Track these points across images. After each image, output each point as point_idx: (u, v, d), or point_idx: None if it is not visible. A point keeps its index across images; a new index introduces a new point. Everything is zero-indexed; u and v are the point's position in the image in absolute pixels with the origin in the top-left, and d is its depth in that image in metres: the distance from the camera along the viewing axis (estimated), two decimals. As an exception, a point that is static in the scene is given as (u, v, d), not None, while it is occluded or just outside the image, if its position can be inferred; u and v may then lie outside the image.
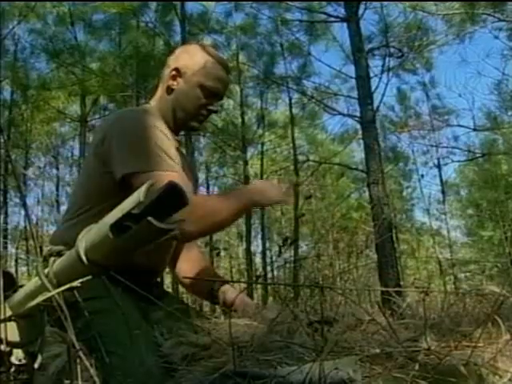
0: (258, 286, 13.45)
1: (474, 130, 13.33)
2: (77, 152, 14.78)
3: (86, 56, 11.38)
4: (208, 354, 1.20)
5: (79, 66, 11.07)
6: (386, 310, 1.21)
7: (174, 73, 1.79)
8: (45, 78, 11.61)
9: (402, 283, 7.85)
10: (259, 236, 15.90)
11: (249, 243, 12.14)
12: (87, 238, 0.99)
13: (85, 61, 11.27)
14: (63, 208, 16.43)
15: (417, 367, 0.96)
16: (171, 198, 0.89)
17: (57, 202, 16.20)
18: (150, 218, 0.85)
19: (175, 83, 1.79)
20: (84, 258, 0.99)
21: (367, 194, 9.11)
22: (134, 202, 0.89)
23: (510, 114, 13.50)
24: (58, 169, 16.64)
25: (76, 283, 1.00)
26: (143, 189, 0.88)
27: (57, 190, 16.63)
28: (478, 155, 14.27)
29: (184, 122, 1.81)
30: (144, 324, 1.41)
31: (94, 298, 1.33)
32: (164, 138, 1.62)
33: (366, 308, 1.30)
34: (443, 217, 18.13)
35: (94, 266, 0.99)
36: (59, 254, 1.25)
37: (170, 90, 1.80)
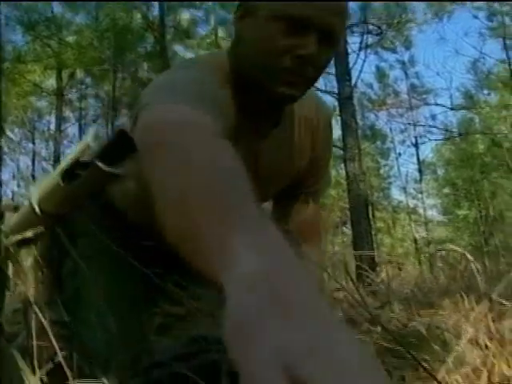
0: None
1: (452, 109, 13.45)
2: (53, 126, 14.62)
3: (62, 29, 11.20)
4: (182, 323, 1.19)
5: (55, 39, 10.89)
6: (358, 284, 1.23)
7: (239, 13, 1.05)
8: (20, 51, 11.40)
9: (376, 259, 7.94)
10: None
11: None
12: (39, 188, 1.00)
13: (61, 34, 11.09)
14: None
15: (379, 329, 0.98)
16: (120, 145, 0.90)
17: (33, 176, 16.03)
18: (97, 163, 0.85)
19: (242, 26, 1.05)
20: (37, 208, 0.99)
21: (344, 170, 9.16)
22: (82, 148, 0.90)
23: (485, 92, 13.62)
24: (33, 143, 16.45)
25: (29, 233, 1.01)
26: (90, 133, 0.89)
27: (33, 164, 16.46)
28: (454, 134, 14.41)
29: (260, 90, 1.02)
30: (131, 284, 1.23)
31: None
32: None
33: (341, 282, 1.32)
34: (420, 195, 18.33)
35: (47, 216, 1.00)
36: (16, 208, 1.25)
37: (235, 43, 1.06)
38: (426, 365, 0.84)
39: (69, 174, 0.92)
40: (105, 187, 0.91)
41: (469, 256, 1.20)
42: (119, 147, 0.90)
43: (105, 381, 0.97)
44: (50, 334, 0.96)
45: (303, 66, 0.96)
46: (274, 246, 0.50)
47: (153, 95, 0.93)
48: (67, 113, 14.55)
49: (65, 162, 0.93)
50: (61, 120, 12.02)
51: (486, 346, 0.85)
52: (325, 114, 1.30)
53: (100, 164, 0.84)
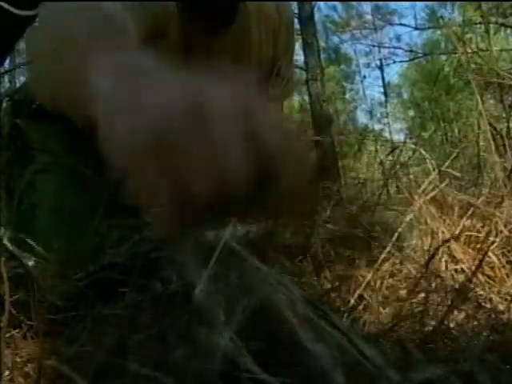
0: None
1: (416, 28, 13.32)
2: None
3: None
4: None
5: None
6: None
7: None
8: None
9: (342, 180, 8.01)
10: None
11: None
12: None
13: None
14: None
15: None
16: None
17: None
18: (4, 5, 0.78)
19: None
20: None
21: (307, 94, 9.07)
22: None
23: (449, 10, 13.48)
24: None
25: None
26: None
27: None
28: (419, 55, 14.35)
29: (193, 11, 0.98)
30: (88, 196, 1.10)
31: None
32: None
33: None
34: (385, 119, 18.40)
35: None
36: None
37: None
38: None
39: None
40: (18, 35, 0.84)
41: (423, 151, 1.18)
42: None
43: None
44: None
45: None
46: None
47: None
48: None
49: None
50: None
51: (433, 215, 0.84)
52: (286, 12, 1.24)
53: (8, 6, 0.76)
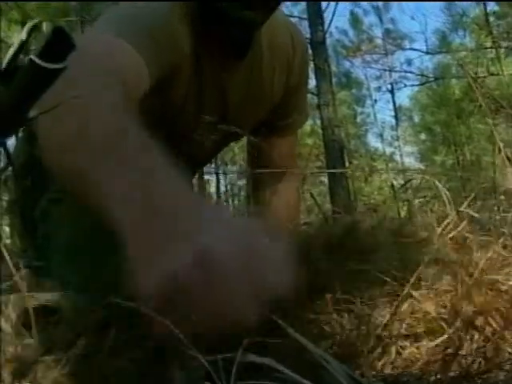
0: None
1: (427, 53, 13.37)
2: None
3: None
4: None
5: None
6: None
7: None
8: (-18, 5, 11.02)
9: (353, 203, 7.98)
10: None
11: (201, 172, 12.11)
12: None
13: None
14: None
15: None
16: (59, 42, 0.84)
17: None
18: (33, 57, 0.80)
19: None
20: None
21: (319, 119, 9.10)
22: (18, 43, 0.84)
23: (460, 34, 13.55)
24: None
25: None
26: (25, 29, 0.83)
27: None
28: (430, 79, 14.37)
29: (221, 19, 0.97)
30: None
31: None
32: None
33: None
34: (396, 142, 18.40)
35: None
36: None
37: None
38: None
39: (7, 76, 0.86)
40: (45, 87, 0.86)
41: (437, 183, 1.18)
42: (58, 46, 0.85)
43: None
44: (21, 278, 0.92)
45: None
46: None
47: (99, 25, 0.94)
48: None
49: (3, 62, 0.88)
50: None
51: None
52: (300, 41, 1.26)
53: (38, 60, 0.78)
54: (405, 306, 0.69)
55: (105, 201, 0.54)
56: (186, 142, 1.11)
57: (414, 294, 0.70)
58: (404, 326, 0.67)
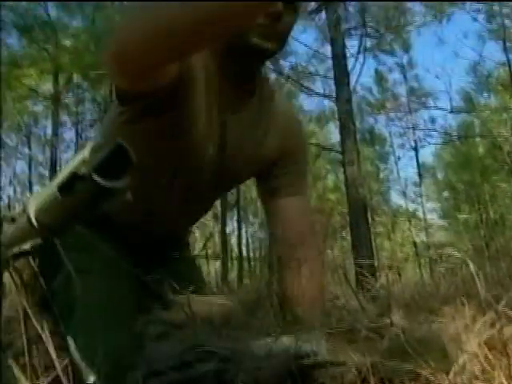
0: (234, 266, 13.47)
1: (451, 112, 13.41)
2: (49, 131, 14.54)
3: (58, 32, 11.14)
4: (180, 331, 1.15)
5: (52, 43, 10.84)
6: (358, 291, 1.18)
7: None
8: (16, 55, 11.34)
9: (376, 263, 7.88)
10: (234, 217, 15.93)
11: (224, 224, 12.15)
12: (37, 199, 0.94)
13: (57, 37, 11.03)
14: (36, 188, 16.24)
15: (386, 343, 0.92)
16: (119, 158, 0.84)
17: (29, 182, 15.97)
18: (94, 177, 0.79)
19: None
20: (34, 220, 0.93)
21: (343, 175, 9.11)
22: (79, 160, 0.83)
23: (485, 95, 13.61)
24: (30, 148, 16.39)
25: (26, 246, 0.95)
26: (88, 147, 0.82)
27: (29, 169, 16.40)
28: (454, 137, 14.38)
29: (239, 49, 1.12)
30: (126, 293, 1.26)
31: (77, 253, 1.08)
32: None
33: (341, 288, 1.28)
34: (419, 199, 18.31)
35: (44, 228, 0.94)
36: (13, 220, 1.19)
37: None
38: (427, 373, 0.78)
39: (66, 187, 0.86)
40: (104, 202, 0.85)
41: (469, 262, 1.14)
42: (117, 161, 0.84)
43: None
44: (49, 343, 0.91)
45: (273, 22, 1.09)
46: None
47: None
48: (64, 117, 14.53)
49: (62, 175, 0.87)
50: (57, 125, 11.96)
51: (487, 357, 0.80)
52: (298, 120, 1.43)
53: (97, 178, 0.77)
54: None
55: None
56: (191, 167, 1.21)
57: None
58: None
